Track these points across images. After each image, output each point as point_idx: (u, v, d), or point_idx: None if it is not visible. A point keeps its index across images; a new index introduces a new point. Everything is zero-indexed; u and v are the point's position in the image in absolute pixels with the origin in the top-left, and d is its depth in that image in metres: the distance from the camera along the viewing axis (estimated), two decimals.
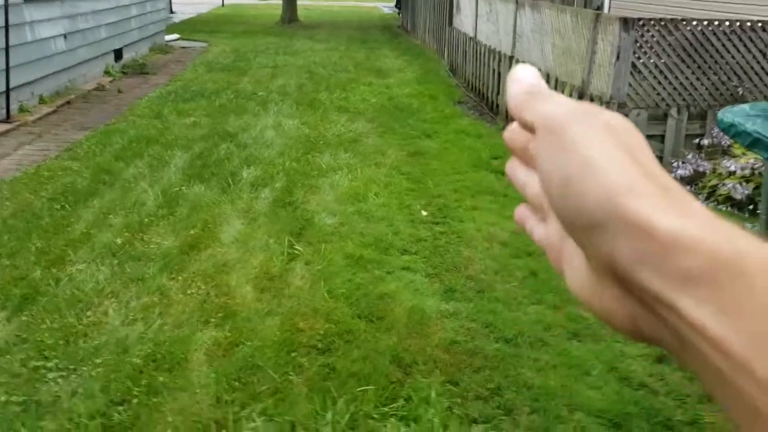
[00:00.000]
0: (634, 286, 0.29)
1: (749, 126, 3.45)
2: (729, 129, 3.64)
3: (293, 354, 3.22)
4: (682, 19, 5.71)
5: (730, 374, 0.26)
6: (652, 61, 5.68)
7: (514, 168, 0.42)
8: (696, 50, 5.69)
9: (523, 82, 0.39)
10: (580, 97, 6.11)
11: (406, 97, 9.68)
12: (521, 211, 0.44)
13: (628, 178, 0.29)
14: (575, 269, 0.35)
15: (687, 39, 5.66)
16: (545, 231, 0.40)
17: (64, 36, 9.00)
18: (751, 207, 5.01)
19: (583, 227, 0.31)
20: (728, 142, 5.38)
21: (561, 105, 0.34)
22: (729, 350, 0.26)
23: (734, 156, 5.36)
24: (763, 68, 5.74)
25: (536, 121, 0.35)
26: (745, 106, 3.89)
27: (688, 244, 0.27)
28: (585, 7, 14.30)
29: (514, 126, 0.41)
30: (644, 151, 0.32)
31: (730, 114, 3.73)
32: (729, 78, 5.77)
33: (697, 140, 5.66)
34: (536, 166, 0.35)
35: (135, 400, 2.89)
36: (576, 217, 0.31)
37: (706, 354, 0.27)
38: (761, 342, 0.25)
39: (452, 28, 12.51)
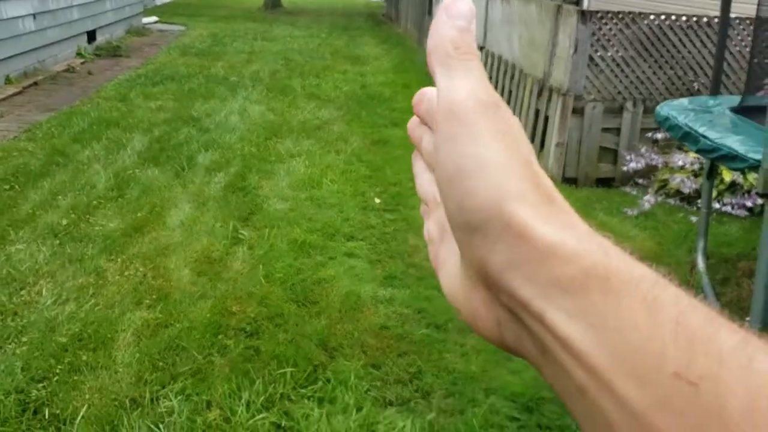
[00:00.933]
0: (504, 292, 0.29)
1: (681, 119, 3.49)
2: (664, 122, 3.68)
3: (220, 336, 3.24)
4: (640, 13, 5.73)
5: (589, 389, 0.26)
6: (609, 54, 5.71)
7: (416, 159, 0.41)
8: (653, 44, 5.72)
9: (454, 23, 0.34)
10: (541, 89, 6.14)
11: (380, 85, 9.68)
12: (423, 205, 0.42)
13: (519, 184, 0.29)
14: (449, 269, 0.35)
15: (644, 33, 5.69)
16: (428, 225, 0.40)
17: (33, 16, 8.93)
18: (698, 201, 5.05)
19: (466, 224, 0.30)
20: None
21: (469, 89, 0.32)
22: (592, 365, 0.26)
23: (685, 151, 5.40)
24: None
25: (442, 101, 0.33)
26: (684, 100, 3.93)
27: (565, 255, 0.27)
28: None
29: (417, 119, 0.40)
30: (535, 159, 0.31)
31: (666, 107, 3.77)
32: (685, 72, 5.81)
33: (651, 134, 5.70)
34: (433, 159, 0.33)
35: (55, 378, 2.90)
36: (460, 212, 0.30)
37: (568, 367, 0.27)
38: (623, 360, 0.25)
39: (431, 17, 12.50)
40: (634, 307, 0.25)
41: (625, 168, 5.61)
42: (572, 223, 0.29)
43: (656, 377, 0.24)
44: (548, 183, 0.31)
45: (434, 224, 0.39)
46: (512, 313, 0.30)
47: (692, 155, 5.27)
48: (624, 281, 0.26)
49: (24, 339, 3.15)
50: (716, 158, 3.20)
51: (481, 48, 8.36)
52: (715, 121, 3.40)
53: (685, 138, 3.42)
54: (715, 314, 0.26)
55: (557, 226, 0.28)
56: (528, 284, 0.28)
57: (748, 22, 5.71)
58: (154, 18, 15.39)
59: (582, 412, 0.27)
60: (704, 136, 3.19)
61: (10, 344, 3.12)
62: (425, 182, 0.40)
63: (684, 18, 5.73)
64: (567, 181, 5.79)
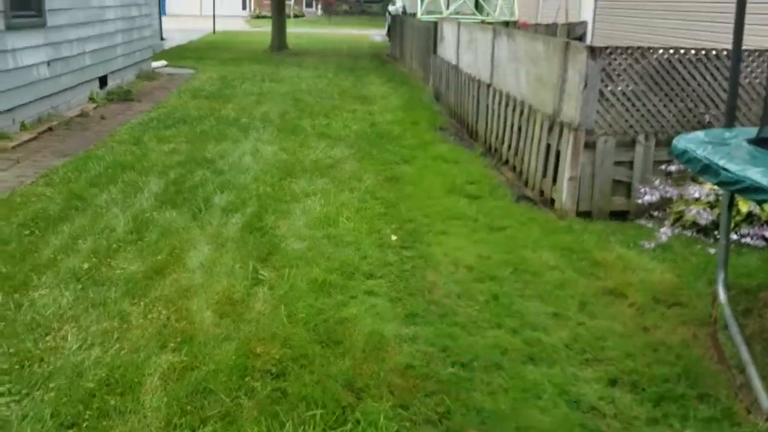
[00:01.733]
0: None
1: (699, 152, 3.52)
2: (682, 155, 3.70)
3: (246, 378, 3.23)
4: (649, 48, 5.81)
5: None
6: (619, 88, 5.77)
7: None
8: (663, 78, 5.79)
9: None
10: (552, 124, 6.20)
11: (389, 123, 9.79)
12: None
13: None
14: None
15: (654, 67, 5.76)
16: None
17: (48, 63, 9.08)
18: (716, 233, 5.06)
19: None
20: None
21: None
22: None
23: (700, 182, 5.42)
24: None
25: None
26: (700, 133, 3.96)
27: None
28: (569, 36, 14.51)
29: None
30: None
31: (683, 140, 3.80)
32: (696, 105, 5.86)
33: (664, 167, 5.73)
34: None
35: (85, 424, 2.89)
36: None
37: None
38: None
39: (436, 56, 12.67)
40: None
41: (639, 201, 5.63)
42: None
43: None
44: None
45: None
46: None
47: (707, 187, 5.29)
48: None
49: (51, 385, 3.15)
50: (738, 190, 3.21)
51: (488, 85, 8.46)
52: (733, 153, 3.42)
53: (704, 171, 3.44)
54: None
55: None
56: None
57: (757, 54, 5.79)
58: (163, 62, 15.63)
59: None
60: (725, 169, 3.21)
61: (38, 390, 3.11)
62: None
63: (693, 51, 5.80)
64: (581, 215, 5.80)
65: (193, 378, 3.20)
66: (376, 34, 33.44)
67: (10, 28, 8.05)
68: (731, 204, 3.98)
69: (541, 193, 6.38)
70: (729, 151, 3.47)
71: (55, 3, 9.33)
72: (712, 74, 5.83)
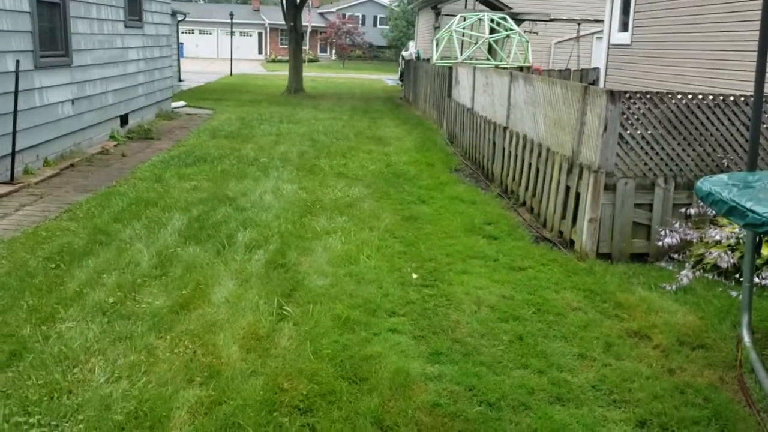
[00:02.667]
0: None
1: (725, 194, 3.55)
2: (707, 197, 3.73)
3: (275, 414, 3.23)
4: (668, 93, 5.89)
5: None
6: (639, 132, 5.84)
7: None
8: (681, 122, 5.85)
9: None
10: (571, 166, 6.26)
11: (404, 164, 9.88)
12: None
13: None
14: None
15: (672, 111, 5.83)
16: None
17: (72, 101, 9.27)
18: (737, 275, 5.06)
19: None
20: (714, 212, 5.46)
21: None
22: None
23: (720, 225, 5.44)
24: (746, 140, 5.89)
25: None
26: (724, 176, 4.00)
27: None
28: (581, 81, 14.69)
29: None
30: None
31: (708, 183, 3.84)
32: (714, 149, 5.91)
33: (684, 209, 5.76)
34: None
35: None
36: None
37: None
38: None
39: (451, 99, 12.85)
40: None
41: (659, 243, 5.64)
42: None
43: None
44: None
45: None
46: None
47: (728, 230, 5.31)
48: None
49: (80, 417, 3.16)
50: (765, 232, 3.23)
51: (504, 128, 8.56)
52: (759, 195, 3.45)
53: (730, 212, 3.46)
54: None
55: None
56: None
57: None
58: (182, 102, 15.90)
59: None
60: (752, 211, 3.24)
61: (66, 422, 3.12)
62: None
63: (711, 97, 5.88)
64: (601, 257, 5.81)
65: (221, 413, 3.20)
66: (389, 79, 33.94)
67: (38, 67, 8.25)
68: (757, 246, 3.99)
69: (560, 234, 6.41)
70: (755, 193, 3.50)
71: (81, 43, 9.57)
72: (729, 119, 5.89)
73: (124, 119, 11.52)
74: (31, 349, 3.74)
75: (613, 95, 5.72)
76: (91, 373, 3.55)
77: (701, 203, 5.62)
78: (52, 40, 8.81)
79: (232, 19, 37.97)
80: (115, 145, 10.33)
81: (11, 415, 3.15)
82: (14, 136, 7.56)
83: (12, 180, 7.60)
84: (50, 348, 3.77)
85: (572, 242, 6.14)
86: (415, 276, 5.23)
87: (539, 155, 7.14)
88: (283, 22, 23.46)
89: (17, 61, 7.59)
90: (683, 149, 5.90)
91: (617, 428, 3.26)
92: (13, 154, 7.58)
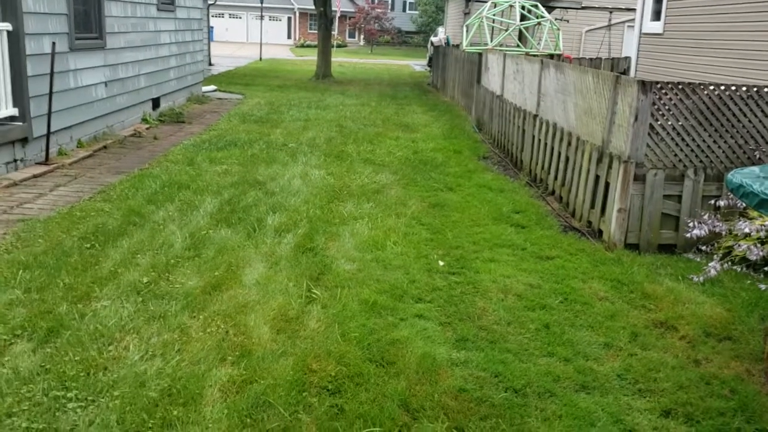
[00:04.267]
0: None
1: (757, 187, 3.53)
2: (738, 189, 3.72)
3: (304, 394, 3.31)
4: (700, 84, 5.83)
5: None
6: (669, 123, 5.80)
7: None
8: (713, 114, 5.80)
9: None
10: (600, 155, 6.23)
11: (431, 151, 9.90)
12: None
13: None
14: None
15: (704, 102, 5.78)
16: None
17: (105, 84, 9.42)
18: (766, 268, 5.02)
19: None
20: (744, 204, 5.42)
21: None
22: None
23: (750, 218, 5.39)
24: None
25: None
26: (755, 168, 3.97)
27: None
28: (612, 71, 14.54)
29: None
30: None
31: (739, 175, 3.82)
32: (746, 141, 5.85)
33: (713, 201, 5.71)
34: None
35: None
36: None
37: None
38: None
39: (480, 86, 12.80)
40: None
41: (687, 235, 5.61)
42: None
43: None
44: None
45: None
46: None
47: (758, 222, 5.26)
48: None
49: (116, 393, 3.26)
50: None
51: (535, 116, 8.53)
52: None
53: (761, 205, 3.45)
54: None
55: None
56: None
57: None
58: (213, 87, 16.03)
59: None
60: None
61: (102, 398, 3.23)
62: None
63: (744, 88, 5.81)
64: (629, 247, 5.80)
65: (252, 392, 3.29)
66: (417, 64, 33.81)
67: (73, 49, 8.39)
68: None
69: (589, 224, 6.40)
70: None
71: (114, 26, 9.70)
72: (763, 111, 5.82)
73: (155, 102, 11.67)
74: (68, 326, 3.85)
75: (644, 85, 5.68)
76: (126, 350, 3.65)
77: (731, 195, 5.58)
78: (87, 22, 8.95)
79: (261, 3, 38.05)
80: (147, 128, 10.48)
81: (50, 389, 3.26)
82: (49, 118, 7.71)
83: (47, 161, 7.76)
84: (86, 325, 3.88)
85: (600, 232, 6.14)
86: (441, 263, 5.27)
87: (569, 144, 7.12)
88: (313, 7, 23.48)
89: (53, 43, 7.72)
90: (714, 141, 5.85)
91: (642, 417, 3.29)
92: (48, 135, 7.74)
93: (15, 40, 7.12)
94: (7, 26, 7.00)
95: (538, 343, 4.02)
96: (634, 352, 3.96)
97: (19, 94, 7.26)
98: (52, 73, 7.71)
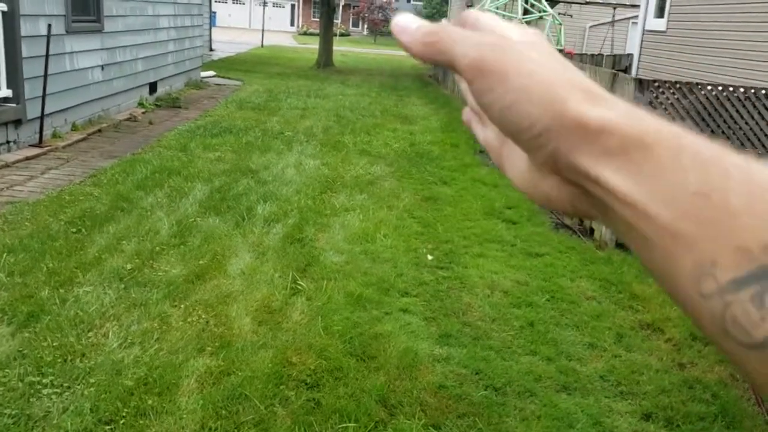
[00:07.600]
0: (570, 170, 0.36)
1: None
2: None
3: (281, 387, 3.28)
4: (697, 83, 5.78)
5: (636, 222, 0.34)
6: None
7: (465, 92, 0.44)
8: (710, 114, 5.75)
9: (416, 30, 0.41)
10: None
11: (428, 144, 9.84)
12: (467, 114, 0.48)
13: (564, 89, 0.35)
14: (514, 165, 0.42)
15: (701, 103, 5.73)
16: (485, 134, 0.46)
17: (102, 67, 9.35)
18: None
19: (527, 136, 0.36)
20: None
21: (476, 44, 0.38)
22: (634, 202, 0.33)
23: None
24: None
25: (463, 65, 0.39)
26: None
27: (609, 129, 0.34)
28: (614, 67, 14.46)
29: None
30: (564, 59, 0.39)
31: None
32: (743, 144, 5.80)
33: None
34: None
35: (122, 421, 2.96)
36: (518, 131, 0.36)
37: (619, 210, 0.34)
38: (654, 192, 0.33)
39: None
40: (661, 153, 0.33)
41: None
42: (612, 104, 0.35)
43: (680, 197, 0.32)
44: (582, 77, 0.37)
45: (491, 132, 0.44)
46: (578, 185, 0.37)
47: None
48: (654, 139, 0.34)
49: (92, 380, 3.23)
50: None
51: None
52: None
53: None
54: (723, 145, 0.34)
55: (601, 109, 0.35)
56: (586, 157, 0.35)
57: None
58: (211, 72, 15.95)
59: (633, 242, 0.35)
60: None
61: (78, 385, 3.20)
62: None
63: (741, 89, 5.76)
64: (620, 247, 5.74)
65: (229, 383, 3.26)
66: None
67: (69, 31, 8.32)
68: None
69: (580, 222, 6.35)
70: None
71: (112, 9, 9.62)
72: (760, 113, 5.77)
73: (153, 87, 11.60)
74: (48, 311, 3.82)
75: (641, 83, 5.62)
76: (105, 337, 3.62)
77: None
78: (84, 5, 8.87)
79: None
80: (143, 113, 10.41)
81: (26, 374, 3.23)
82: (44, 100, 7.65)
83: (40, 143, 7.71)
84: (67, 311, 3.85)
85: (592, 230, 6.10)
86: (430, 257, 5.23)
87: None
88: None
89: (49, 25, 7.65)
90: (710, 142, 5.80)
91: (622, 419, 3.26)
92: (42, 117, 7.68)
93: (10, 20, 7.05)
94: (2, 7, 6.94)
95: (521, 341, 3.99)
96: (618, 353, 3.93)
97: (14, 76, 7.20)
98: (47, 55, 7.64)
